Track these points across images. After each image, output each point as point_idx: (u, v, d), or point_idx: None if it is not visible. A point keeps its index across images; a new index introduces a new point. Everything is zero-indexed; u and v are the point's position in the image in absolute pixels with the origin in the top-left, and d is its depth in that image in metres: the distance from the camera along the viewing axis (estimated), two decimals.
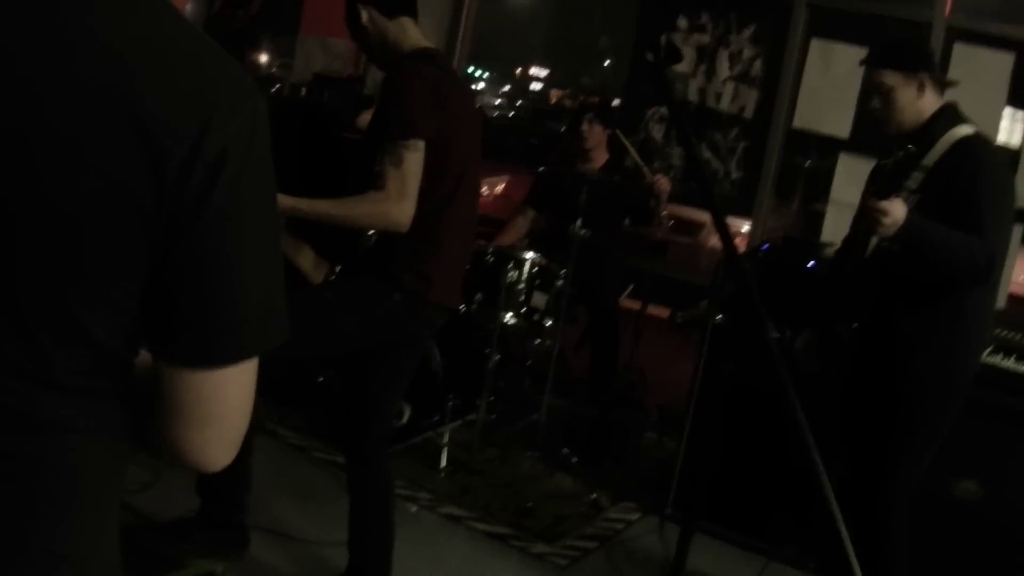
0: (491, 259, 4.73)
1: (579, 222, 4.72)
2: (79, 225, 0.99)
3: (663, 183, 5.09)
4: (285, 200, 2.87)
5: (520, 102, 17.37)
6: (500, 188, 9.56)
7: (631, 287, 5.58)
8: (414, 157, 2.92)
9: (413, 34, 3.16)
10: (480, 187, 3.50)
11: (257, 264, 1.08)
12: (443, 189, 3.06)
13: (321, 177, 5.38)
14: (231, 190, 1.02)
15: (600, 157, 5.38)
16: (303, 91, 6.25)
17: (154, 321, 1.05)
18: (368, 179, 2.97)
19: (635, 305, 5.53)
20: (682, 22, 5.90)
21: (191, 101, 1.00)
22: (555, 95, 20.03)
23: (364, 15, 3.13)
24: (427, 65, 3.07)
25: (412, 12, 3.18)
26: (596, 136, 5.33)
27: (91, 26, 1.00)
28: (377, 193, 2.93)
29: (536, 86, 19.40)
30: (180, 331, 1.04)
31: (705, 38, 5.84)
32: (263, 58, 7.05)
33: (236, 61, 1.08)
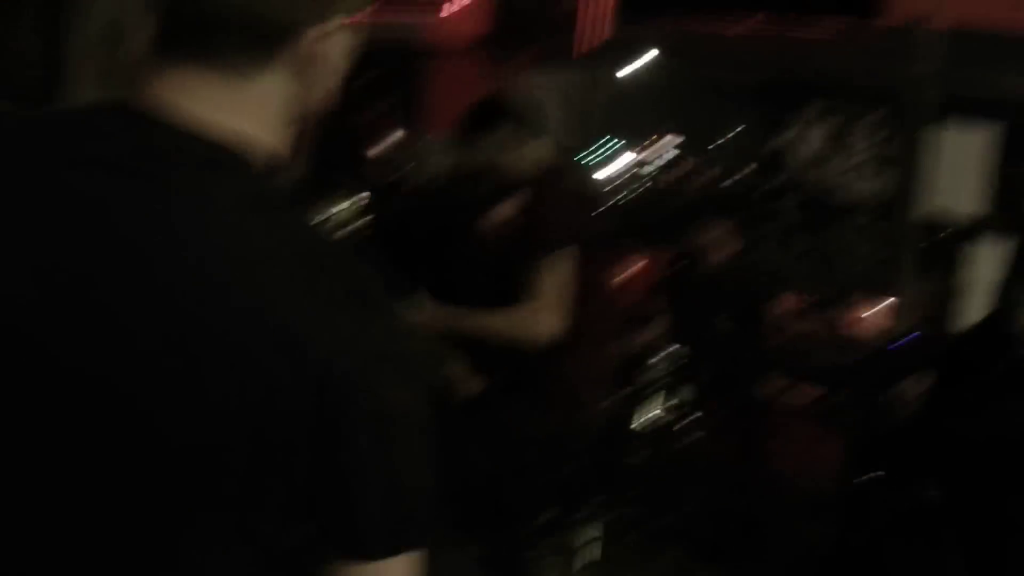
0: (634, 354, 4.72)
1: (720, 315, 4.74)
2: (202, 457, 0.97)
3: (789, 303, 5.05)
4: (439, 313, 2.94)
5: (653, 174, 17.38)
6: (639, 268, 9.50)
7: (771, 371, 5.53)
8: (563, 269, 2.91)
9: (544, 154, 3.21)
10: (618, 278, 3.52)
11: (408, 458, 1.04)
12: (593, 303, 3.02)
13: (455, 275, 5.50)
14: (372, 395, 0.99)
15: (725, 250, 5.35)
16: (434, 189, 6.38)
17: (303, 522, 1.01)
18: (503, 282, 2.99)
19: (778, 388, 5.47)
20: (811, 107, 5.89)
21: (318, 323, 0.98)
22: (686, 166, 20.00)
23: (495, 134, 3.15)
24: (569, 176, 3.14)
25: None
26: (724, 237, 5.29)
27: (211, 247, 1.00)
28: (531, 304, 2.91)
29: (667, 155, 19.44)
30: (333, 529, 1.01)
31: (837, 121, 5.80)
32: (385, 155, 7.26)
33: (371, 272, 1.06)
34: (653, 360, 4.69)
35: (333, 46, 1.05)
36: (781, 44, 5.78)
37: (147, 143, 1.03)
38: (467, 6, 6.85)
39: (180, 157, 1.02)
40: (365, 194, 3.19)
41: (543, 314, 2.90)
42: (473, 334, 3.01)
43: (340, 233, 3.05)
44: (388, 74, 7.43)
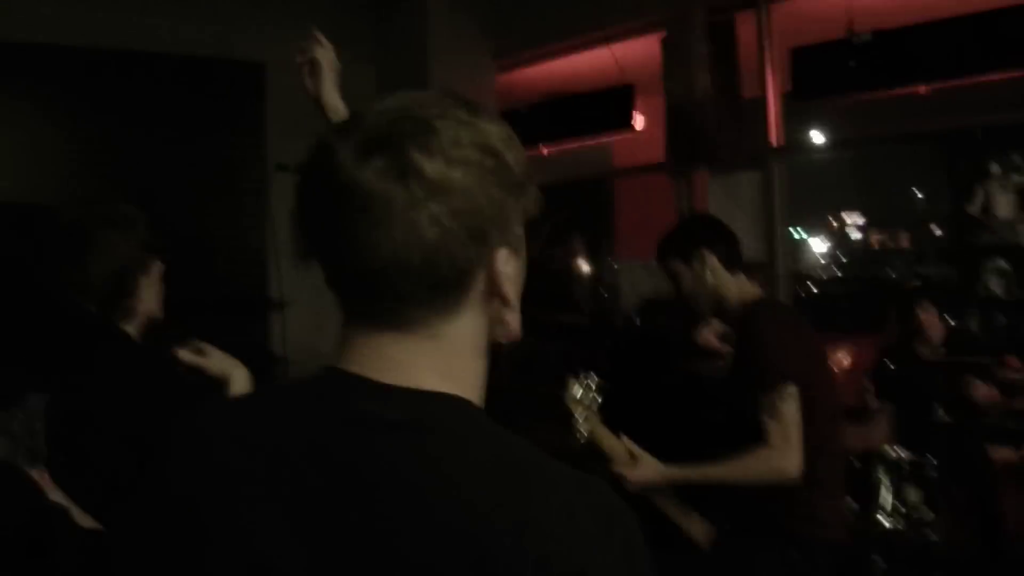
0: (858, 464, 4.63)
1: (939, 411, 4.60)
2: None
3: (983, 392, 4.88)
4: (671, 470, 2.96)
5: (845, 260, 17.15)
6: (847, 363, 9.33)
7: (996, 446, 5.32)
8: (791, 404, 2.89)
9: (748, 288, 3.23)
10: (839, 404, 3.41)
11: None
12: (821, 430, 2.99)
13: (670, 410, 5.56)
14: None
15: (932, 341, 5.24)
16: (636, 320, 6.48)
17: None
18: (732, 424, 3.02)
19: (1010, 456, 5.27)
20: (995, 167, 5.80)
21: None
22: (875, 239, 19.59)
23: (700, 262, 3.19)
24: (778, 308, 3.16)
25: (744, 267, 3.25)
26: (933, 322, 5.20)
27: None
28: (762, 448, 2.89)
29: (855, 234, 19.25)
30: None
31: (1022, 179, 5.69)
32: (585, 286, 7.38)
33: (594, 480, 1.07)
34: (881, 464, 4.55)
35: (508, 271, 1.12)
36: (959, 101, 5.74)
37: (378, 405, 1.06)
38: (646, 129, 7.00)
39: (411, 412, 1.05)
40: (594, 377, 3.22)
41: (785, 452, 2.88)
42: (706, 484, 3.01)
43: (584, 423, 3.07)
44: (576, 205, 7.60)
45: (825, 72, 5.99)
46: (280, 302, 6.75)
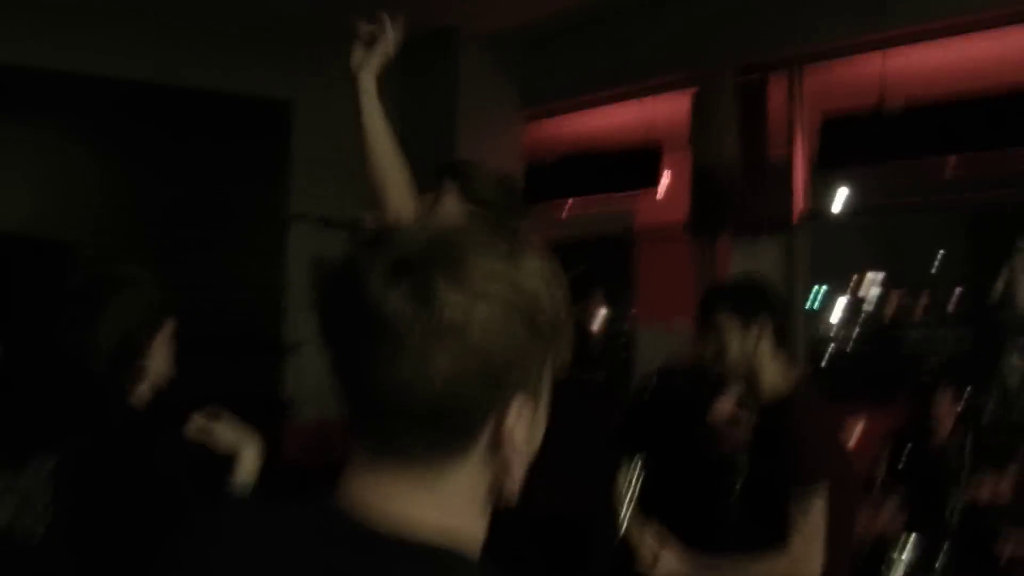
0: (867, 549, 4.50)
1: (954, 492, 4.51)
2: None
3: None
4: (696, 564, 2.87)
5: (861, 317, 17.08)
6: (856, 435, 9.17)
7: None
8: (820, 504, 2.81)
9: (787, 372, 3.10)
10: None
11: None
12: (840, 525, 2.90)
13: (688, 483, 5.48)
14: None
15: (947, 425, 5.14)
16: (654, 382, 6.40)
17: None
18: (760, 517, 2.92)
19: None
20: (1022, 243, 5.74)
21: None
22: (894, 299, 19.56)
23: (758, 329, 3.04)
24: (817, 401, 3.04)
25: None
26: (946, 408, 5.10)
27: None
28: (787, 549, 2.80)
29: (873, 291, 19.22)
30: None
31: None
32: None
33: None
34: (893, 551, 4.45)
35: (521, 424, 1.05)
36: (986, 173, 5.70)
37: (364, 553, 1.02)
38: (670, 189, 6.97)
39: (400, 567, 1.01)
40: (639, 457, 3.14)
41: (809, 555, 2.80)
42: None
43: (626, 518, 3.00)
44: (596, 261, 7.56)
45: (854, 141, 5.93)
46: (293, 344, 6.73)
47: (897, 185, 6.50)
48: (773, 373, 3.06)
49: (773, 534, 2.88)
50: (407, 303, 0.98)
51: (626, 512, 3.11)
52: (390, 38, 2.89)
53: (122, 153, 6.67)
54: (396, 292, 0.99)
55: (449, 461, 1.04)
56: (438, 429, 1.02)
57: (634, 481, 3.14)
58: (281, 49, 7.12)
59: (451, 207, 2.87)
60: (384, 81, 7.45)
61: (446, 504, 1.05)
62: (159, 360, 2.45)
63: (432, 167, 7.11)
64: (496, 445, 1.05)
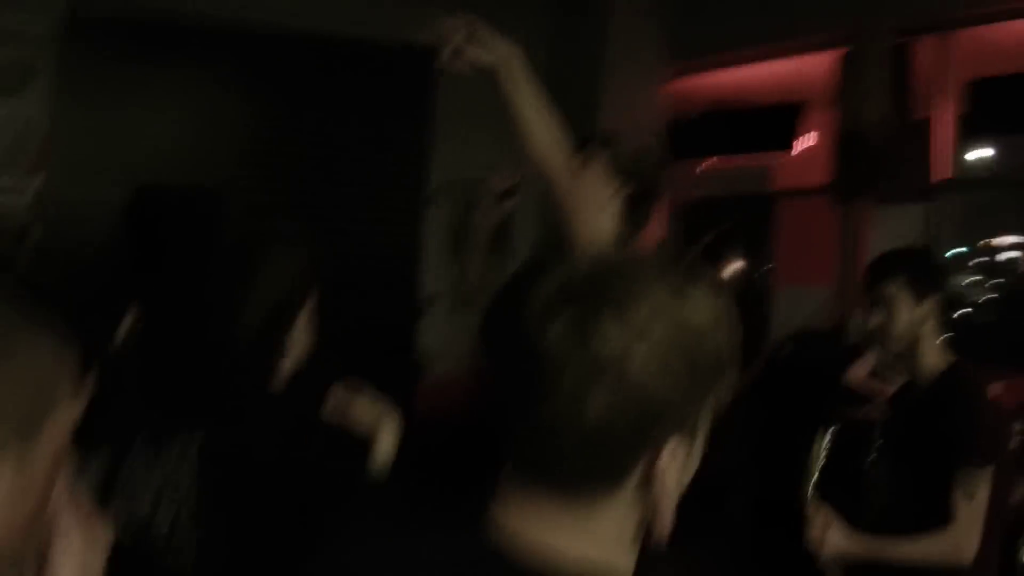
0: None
1: None
2: None
3: None
4: (858, 542, 2.86)
5: (994, 281, 16.50)
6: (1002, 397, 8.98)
7: None
8: (986, 489, 2.77)
9: (944, 352, 3.01)
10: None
11: None
12: (1002, 510, 2.89)
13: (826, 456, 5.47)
14: None
15: None
16: (787, 350, 6.38)
17: None
18: (920, 499, 2.89)
19: None
20: None
21: None
22: None
23: (931, 306, 2.94)
24: (975, 381, 2.96)
25: None
26: None
27: None
28: (949, 530, 2.77)
29: (1008, 255, 18.61)
30: None
31: None
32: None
33: None
34: None
35: (673, 466, 1.04)
36: None
37: None
38: (811, 149, 6.89)
39: None
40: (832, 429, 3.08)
41: (968, 538, 2.77)
42: (895, 561, 2.86)
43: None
44: (735, 221, 7.50)
45: (1003, 106, 5.81)
46: (430, 298, 6.82)
47: None
48: (932, 352, 2.98)
49: (920, 511, 2.89)
50: (566, 335, 0.99)
51: (810, 483, 3.09)
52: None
53: (269, 102, 6.77)
54: (556, 323, 1.00)
55: (600, 495, 1.03)
56: (590, 463, 1.01)
57: (823, 453, 3.12)
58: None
59: (598, 174, 2.90)
60: (530, 26, 7.49)
61: (596, 538, 1.04)
62: (303, 334, 2.40)
63: (576, 120, 7.12)
64: (647, 483, 1.04)
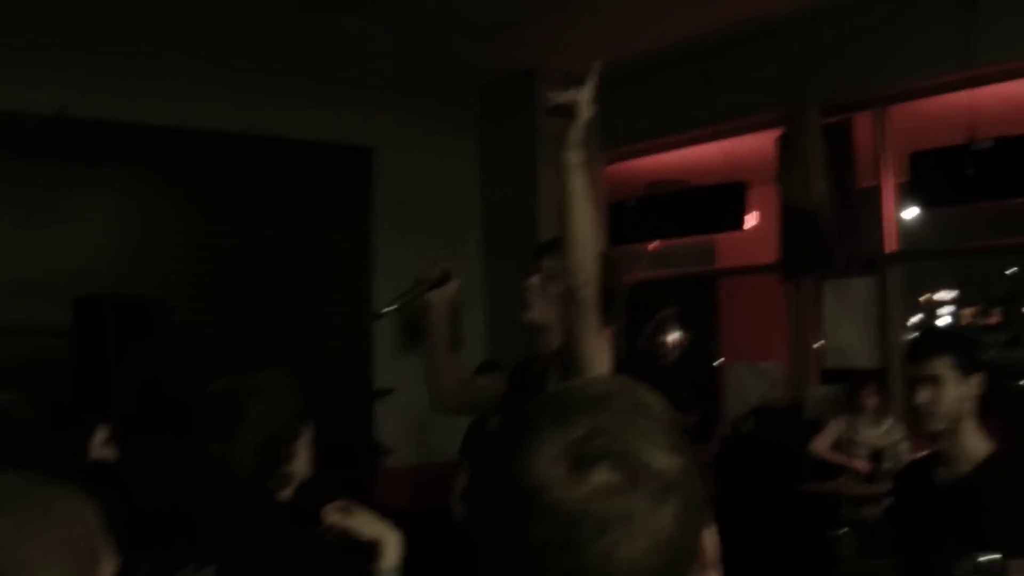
0: None
1: None
2: None
3: None
4: None
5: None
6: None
7: None
8: None
9: (985, 431, 2.91)
10: None
11: None
12: None
13: (798, 529, 5.44)
14: None
15: None
16: (745, 426, 6.39)
17: None
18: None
19: None
20: None
21: None
22: (965, 316, 19.18)
23: (978, 385, 2.86)
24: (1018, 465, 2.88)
25: None
26: None
27: None
28: None
29: (944, 311, 19.01)
30: None
31: None
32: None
33: None
34: None
35: (711, 542, 1.05)
36: None
37: None
38: (755, 228, 6.93)
39: None
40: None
41: None
42: None
43: None
44: (680, 299, 7.51)
45: (944, 178, 5.89)
46: (383, 391, 6.75)
47: (983, 221, 6.45)
48: (974, 434, 2.90)
49: None
50: (615, 489, 0.96)
51: None
52: (585, 101, 2.65)
53: (204, 203, 6.72)
54: (597, 482, 0.97)
55: None
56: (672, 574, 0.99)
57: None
58: (359, 97, 7.18)
59: (555, 287, 2.93)
60: (461, 121, 7.49)
61: None
62: (301, 464, 2.44)
63: (513, 211, 7.10)
64: (703, 564, 1.04)
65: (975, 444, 2.90)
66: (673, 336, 7.34)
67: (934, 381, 2.88)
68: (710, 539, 1.06)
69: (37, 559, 0.90)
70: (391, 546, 2.41)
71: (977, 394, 2.88)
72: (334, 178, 7.16)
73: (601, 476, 0.97)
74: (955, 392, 2.88)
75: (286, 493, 2.40)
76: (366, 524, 2.40)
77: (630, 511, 0.96)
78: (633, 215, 7.43)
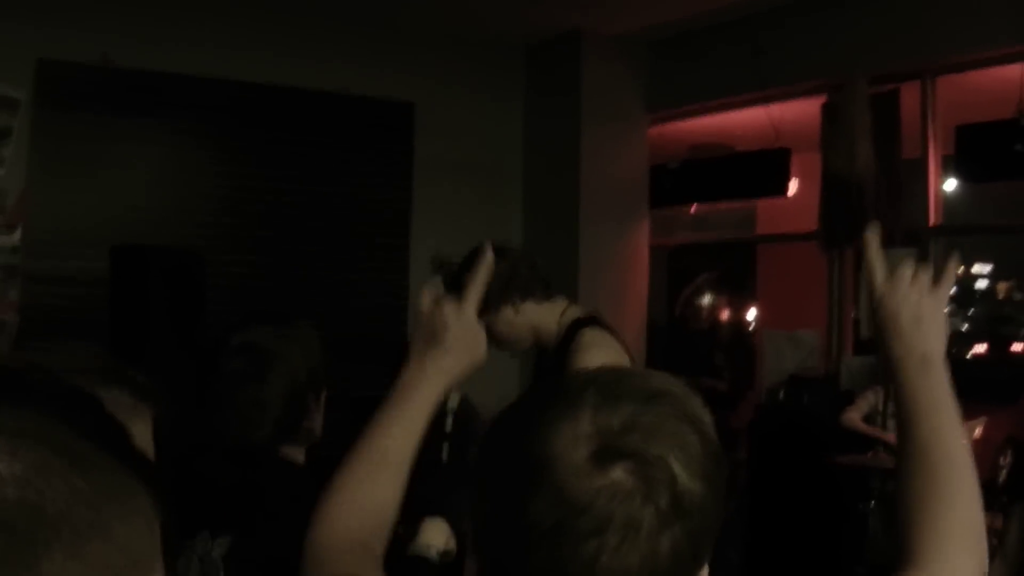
0: None
1: None
2: None
3: None
4: None
5: (972, 311, 16.57)
6: (978, 435, 8.99)
7: None
8: None
9: None
10: None
11: None
12: None
13: (829, 502, 5.42)
14: None
15: None
16: (781, 395, 6.37)
17: None
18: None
19: None
20: None
21: None
22: (1003, 288, 18.90)
23: None
24: None
25: None
26: None
27: None
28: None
29: (982, 284, 18.78)
30: None
31: None
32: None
33: None
34: None
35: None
36: None
37: None
38: (799, 196, 6.88)
39: None
40: None
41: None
42: None
43: None
44: (721, 265, 7.46)
45: (990, 153, 5.81)
46: None
47: None
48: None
49: None
50: (633, 492, 0.93)
51: None
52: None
53: (244, 155, 6.73)
54: (616, 479, 0.93)
55: None
56: None
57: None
58: (403, 52, 7.15)
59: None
60: (506, 78, 7.43)
61: None
62: (317, 422, 2.33)
63: (558, 171, 7.07)
64: None
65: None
66: (710, 301, 7.32)
67: None
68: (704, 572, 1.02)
69: (116, 518, 0.91)
70: (434, 526, 2.35)
71: None
72: (376, 133, 7.14)
73: (618, 475, 0.93)
74: None
75: (299, 453, 2.30)
76: None
77: (633, 522, 0.92)
78: (675, 177, 7.38)
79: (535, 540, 0.94)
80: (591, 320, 2.97)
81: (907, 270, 1.48)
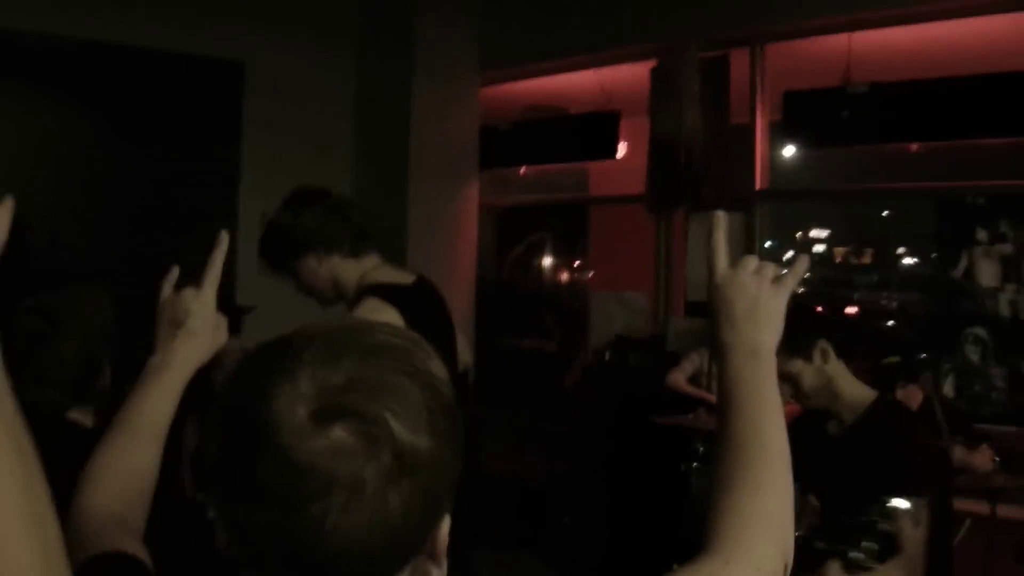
0: None
1: None
2: None
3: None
4: None
5: (808, 274, 16.93)
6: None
7: None
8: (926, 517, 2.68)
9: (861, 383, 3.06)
10: None
11: None
12: None
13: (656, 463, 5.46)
14: None
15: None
16: (607, 355, 6.39)
17: None
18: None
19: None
20: (981, 234, 5.77)
21: None
22: (840, 253, 19.45)
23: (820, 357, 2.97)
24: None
25: None
26: (913, 397, 5.10)
27: None
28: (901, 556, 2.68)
29: (819, 248, 19.23)
30: None
31: (1007, 248, 5.67)
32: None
33: None
34: None
35: (445, 534, 1.02)
36: (952, 163, 5.71)
37: None
38: (630, 159, 6.91)
39: None
40: None
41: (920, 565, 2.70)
42: None
43: None
44: (551, 226, 7.46)
45: (818, 120, 5.91)
46: (246, 307, 6.59)
47: (859, 162, 6.50)
48: (851, 386, 2.98)
49: None
50: (355, 451, 0.91)
51: None
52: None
53: (73, 118, 6.45)
54: (337, 438, 0.91)
55: None
56: (380, 569, 0.97)
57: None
58: (234, 9, 6.92)
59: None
60: (338, 37, 7.26)
61: None
62: (106, 383, 2.34)
63: (389, 130, 6.94)
64: (431, 555, 1.02)
65: (855, 394, 2.98)
66: (541, 261, 7.31)
67: (790, 379, 2.95)
68: (443, 533, 1.02)
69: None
70: None
71: (826, 361, 2.93)
72: (204, 93, 6.91)
73: (339, 434, 0.91)
74: (811, 376, 2.96)
75: (88, 420, 2.28)
76: None
77: (359, 480, 0.91)
78: (506, 139, 7.34)
79: (266, 503, 0.92)
80: (380, 288, 2.90)
81: (751, 261, 1.46)
